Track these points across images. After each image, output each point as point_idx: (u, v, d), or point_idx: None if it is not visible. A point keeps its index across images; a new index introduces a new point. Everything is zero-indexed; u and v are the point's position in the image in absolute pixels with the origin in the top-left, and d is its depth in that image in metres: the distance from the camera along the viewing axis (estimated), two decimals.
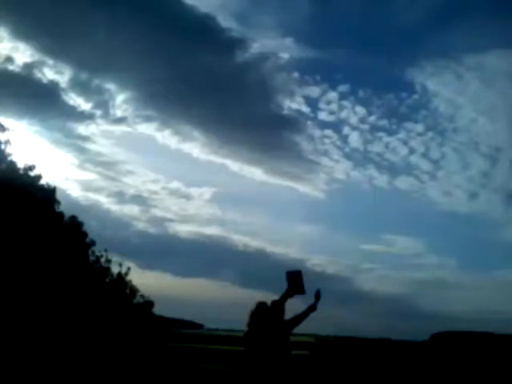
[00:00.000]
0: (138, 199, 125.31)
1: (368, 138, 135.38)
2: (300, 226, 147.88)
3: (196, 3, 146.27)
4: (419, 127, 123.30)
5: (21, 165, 25.23)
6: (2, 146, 23.85)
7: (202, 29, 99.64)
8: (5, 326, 17.43)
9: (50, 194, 27.61)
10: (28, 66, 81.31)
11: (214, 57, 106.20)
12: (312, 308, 4.87)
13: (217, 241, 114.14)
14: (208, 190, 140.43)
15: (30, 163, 25.82)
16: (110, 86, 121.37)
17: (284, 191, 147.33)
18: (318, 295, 4.89)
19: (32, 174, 25.76)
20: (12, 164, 24.49)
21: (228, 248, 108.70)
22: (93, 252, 33.88)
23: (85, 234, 32.24)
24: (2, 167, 23.48)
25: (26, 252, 20.76)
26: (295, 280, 4.67)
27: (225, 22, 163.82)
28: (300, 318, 4.88)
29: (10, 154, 24.23)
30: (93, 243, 33.14)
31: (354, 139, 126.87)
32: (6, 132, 24.23)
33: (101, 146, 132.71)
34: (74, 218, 31.24)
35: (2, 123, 24.39)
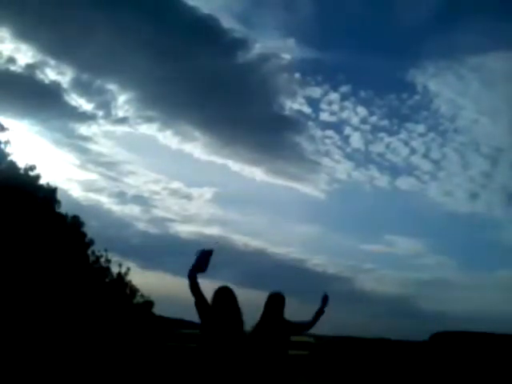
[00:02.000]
0: (138, 199, 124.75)
1: (369, 138, 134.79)
2: (301, 226, 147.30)
3: (198, 4, 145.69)
4: (420, 128, 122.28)
5: (21, 165, 25.25)
6: (2, 146, 23.88)
7: (204, 30, 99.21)
8: (4, 326, 17.44)
9: (50, 194, 27.60)
10: (30, 67, 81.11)
11: (215, 57, 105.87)
12: (320, 312, 4.92)
13: (217, 241, 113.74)
14: (209, 191, 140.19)
15: (30, 163, 25.84)
16: (112, 86, 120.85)
17: (285, 191, 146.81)
18: (325, 300, 4.94)
19: (32, 173, 25.77)
20: (12, 164, 24.50)
21: (228, 248, 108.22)
22: (93, 252, 33.87)
23: (84, 234, 32.23)
24: (2, 167, 23.49)
25: (25, 252, 20.75)
26: (202, 258, 4.61)
27: (227, 22, 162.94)
28: (310, 324, 4.90)
29: (9, 154, 24.26)
30: (92, 243, 33.11)
31: (355, 140, 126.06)
32: (6, 132, 24.26)
33: (102, 147, 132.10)
34: (74, 218, 31.21)
35: (2, 123, 24.41)
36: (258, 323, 4.79)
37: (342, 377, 20.33)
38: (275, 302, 4.85)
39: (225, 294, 4.68)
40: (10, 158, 24.23)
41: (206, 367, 4.50)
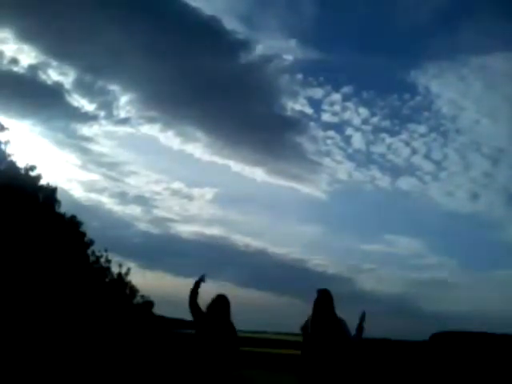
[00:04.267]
0: (140, 200, 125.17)
1: (371, 138, 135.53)
2: (302, 226, 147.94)
3: (201, 5, 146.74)
4: (422, 128, 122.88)
5: (21, 165, 25.29)
6: (2, 146, 23.90)
7: (207, 31, 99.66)
8: (4, 326, 17.45)
9: (50, 194, 27.63)
10: (33, 68, 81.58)
11: (218, 58, 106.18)
12: (360, 329, 4.97)
13: (218, 241, 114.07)
14: (210, 191, 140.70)
15: (30, 163, 25.87)
16: (114, 87, 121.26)
17: (286, 192, 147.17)
18: (363, 317, 5.00)
19: (32, 174, 25.80)
20: (12, 164, 24.51)
21: (229, 248, 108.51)
22: (93, 252, 33.92)
23: (83, 234, 32.25)
24: (2, 167, 23.51)
25: (25, 252, 20.76)
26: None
27: (230, 24, 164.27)
28: (356, 343, 4.92)
29: (10, 155, 24.27)
30: (91, 243, 33.16)
31: (357, 140, 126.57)
32: (6, 132, 24.28)
33: (104, 147, 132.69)
34: (74, 218, 31.25)
35: (2, 123, 24.42)
36: (311, 321, 4.82)
37: (342, 377, 20.32)
38: (325, 298, 4.88)
39: (220, 302, 5.00)
40: (10, 159, 24.26)
41: (200, 368, 4.74)
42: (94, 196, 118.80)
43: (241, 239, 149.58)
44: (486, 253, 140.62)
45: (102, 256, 34.85)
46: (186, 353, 5.09)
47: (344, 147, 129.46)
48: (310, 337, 4.73)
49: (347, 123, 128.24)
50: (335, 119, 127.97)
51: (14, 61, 74.35)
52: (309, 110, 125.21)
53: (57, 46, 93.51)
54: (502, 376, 23.66)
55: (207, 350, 4.72)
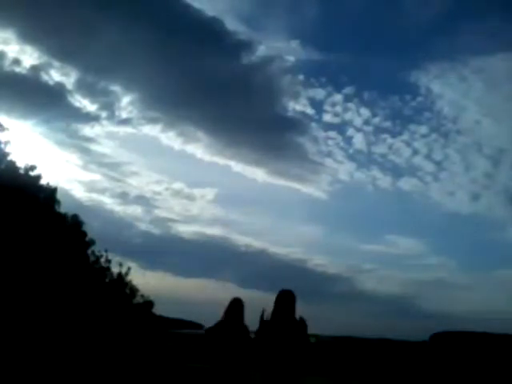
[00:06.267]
0: (141, 200, 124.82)
1: (372, 139, 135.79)
2: (302, 226, 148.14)
3: (204, 7, 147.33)
4: (423, 129, 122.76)
5: (21, 165, 25.27)
6: (2, 146, 23.90)
7: (209, 32, 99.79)
8: (4, 326, 17.44)
9: (50, 194, 27.60)
10: (35, 68, 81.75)
11: (220, 59, 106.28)
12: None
13: (219, 241, 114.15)
14: (211, 191, 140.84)
15: (30, 163, 25.86)
16: (116, 87, 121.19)
17: (287, 192, 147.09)
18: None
19: (32, 174, 25.77)
20: (12, 164, 24.50)
21: (230, 248, 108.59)
22: (93, 252, 33.87)
23: (85, 234, 32.21)
24: (1, 167, 23.49)
25: (25, 252, 20.75)
26: None
27: (232, 25, 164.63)
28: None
29: (9, 154, 24.27)
30: (92, 243, 33.11)
31: (358, 141, 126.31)
32: (6, 132, 24.27)
33: (105, 147, 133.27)
34: (74, 218, 31.20)
35: (2, 123, 24.42)
36: (269, 321, 4.84)
37: (342, 377, 20.35)
38: (285, 299, 4.90)
39: (235, 306, 5.06)
40: (9, 158, 24.26)
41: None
42: (95, 196, 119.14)
43: (241, 239, 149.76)
44: (486, 253, 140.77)
45: (101, 256, 34.83)
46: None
47: (345, 148, 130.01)
48: (265, 333, 4.76)
49: (348, 124, 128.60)
50: (336, 120, 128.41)
51: (17, 61, 74.75)
52: (310, 111, 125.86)
53: (59, 46, 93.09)
54: (502, 376, 23.64)
55: (222, 353, 4.74)
